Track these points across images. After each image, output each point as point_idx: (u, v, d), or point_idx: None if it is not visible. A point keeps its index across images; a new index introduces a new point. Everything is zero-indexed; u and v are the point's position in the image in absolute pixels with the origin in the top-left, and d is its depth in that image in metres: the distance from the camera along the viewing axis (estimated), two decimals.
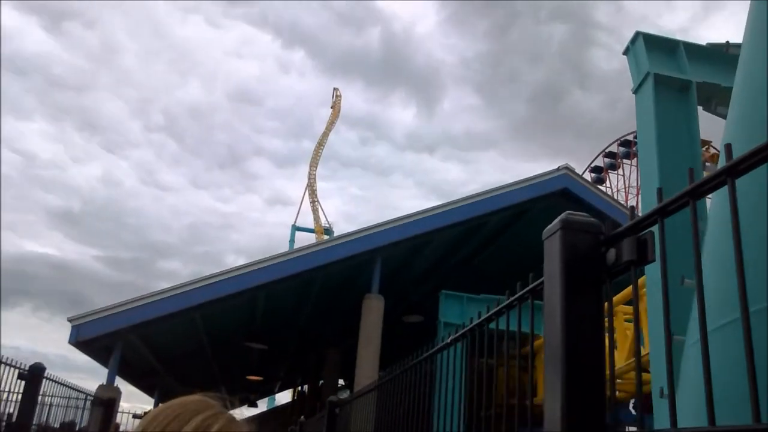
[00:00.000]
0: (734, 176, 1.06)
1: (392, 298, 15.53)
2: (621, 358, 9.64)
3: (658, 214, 1.13)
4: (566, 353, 1.13)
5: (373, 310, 14.66)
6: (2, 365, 5.87)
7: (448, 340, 2.19)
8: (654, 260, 1.13)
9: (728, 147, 1.16)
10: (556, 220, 1.28)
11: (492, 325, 1.88)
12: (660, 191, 1.15)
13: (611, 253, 1.21)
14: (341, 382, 28.17)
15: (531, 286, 1.54)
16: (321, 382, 26.18)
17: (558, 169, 16.77)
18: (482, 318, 1.89)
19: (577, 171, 17.89)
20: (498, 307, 1.78)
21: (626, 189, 59.38)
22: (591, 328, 1.17)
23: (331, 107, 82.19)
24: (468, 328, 2.02)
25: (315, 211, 75.76)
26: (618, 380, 10.49)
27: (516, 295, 1.62)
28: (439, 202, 15.96)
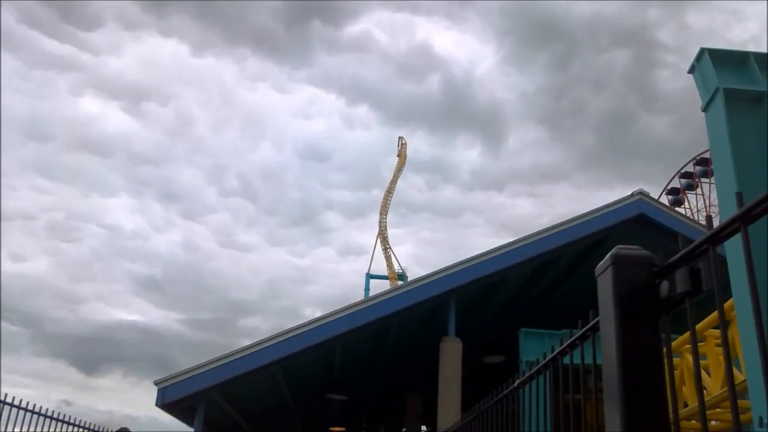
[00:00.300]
0: None
1: (470, 340, 15.25)
2: (716, 386, 9.10)
3: (709, 243, 1.08)
4: (624, 389, 1.10)
5: (451, 353, 14.44)
6: None
7: (515, 384, 2.15)
8: (709, 289, 1.08)
9: None
10: (607, 256, 1.26)
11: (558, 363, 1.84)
12: (709, 219, 1.11)
13: (664, 286, 1.17)
14: (424, 428, 27.70)
15: (591, 324, 1.50)
16: (404, 429, 25.83)
17: (632, 195, 16.30)
18: (547, 359, 1.86)
19: (652, 195, 17.32)
20: (562, 347, 1.74)
21: (707, 208, 56.87)
22: (649, 362, 1.14)
23: (397, 155, 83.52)
24: (534, 370, 1.98)
25: (387, 258, 76.23)
26: (717, 409, 9.85)
27: (577, 334, 1.59)
28: (512, 238, 15.71)
